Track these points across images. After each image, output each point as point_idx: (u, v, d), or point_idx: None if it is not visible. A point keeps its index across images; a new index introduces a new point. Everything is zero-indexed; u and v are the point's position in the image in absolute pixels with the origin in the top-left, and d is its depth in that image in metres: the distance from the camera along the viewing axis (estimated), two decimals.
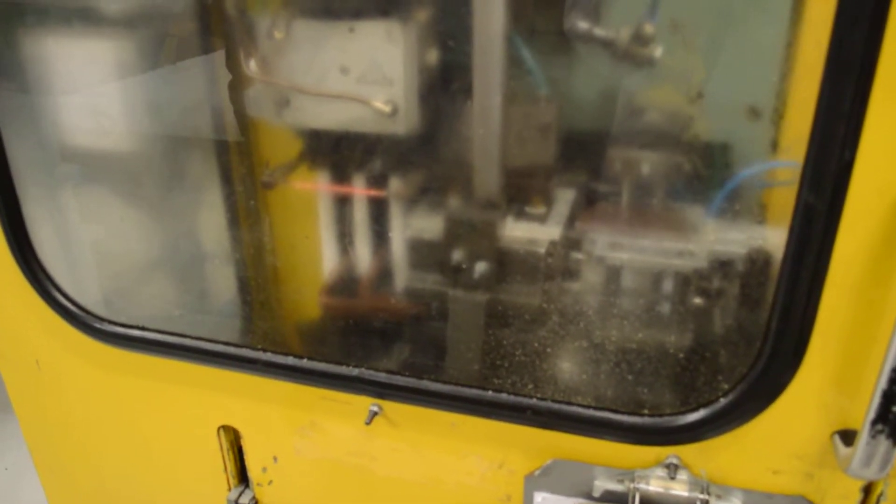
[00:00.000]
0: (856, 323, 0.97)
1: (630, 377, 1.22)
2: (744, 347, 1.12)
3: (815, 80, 0.88)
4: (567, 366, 1.30)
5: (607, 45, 1.55)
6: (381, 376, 1.21)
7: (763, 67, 1.57)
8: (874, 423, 0.91)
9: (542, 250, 1.54)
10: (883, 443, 0.92)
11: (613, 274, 1.41)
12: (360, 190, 1.68)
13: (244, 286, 1.71)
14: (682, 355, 1.20)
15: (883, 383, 0.89)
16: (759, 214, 1.50)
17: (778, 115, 1.60)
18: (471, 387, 1.18)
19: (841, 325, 0.98)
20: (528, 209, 1.62)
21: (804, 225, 0.92)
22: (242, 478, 1.48)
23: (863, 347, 0.99)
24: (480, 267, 1.57)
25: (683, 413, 1.09)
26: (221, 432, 1.42)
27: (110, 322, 1.36)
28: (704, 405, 1.07)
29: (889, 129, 0.85)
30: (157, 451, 1.50)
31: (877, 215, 0.90)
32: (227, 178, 1.86)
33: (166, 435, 1.47)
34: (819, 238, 0.92)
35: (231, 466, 1.46)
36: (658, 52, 1.54)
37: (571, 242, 1.55)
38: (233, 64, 1.73)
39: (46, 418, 1.58)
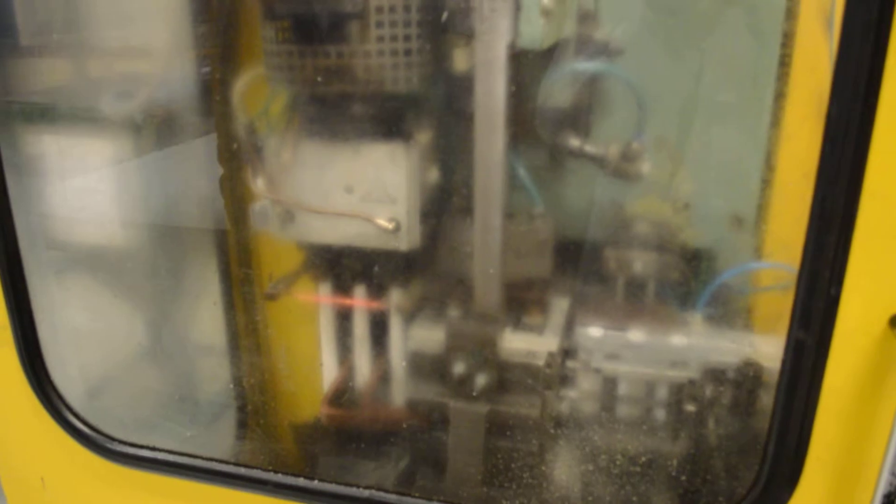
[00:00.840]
0: (848, 447, 1.03)
1: (635, 498, 1.26)
2: (743, 470, 1.17)
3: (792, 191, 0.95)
4: (573, 486, 1.34)
5: (598, 161, 1.66)
6: (392, 497, 1.25)
7: (746, 179, 1.67)
8: None
9: (541, 362, 1.59)
10: None
11: (611, 392, 1.47)
12: (362, 302, 1.73)
13: (249, 404, 1.74)
14: (684, 477, 1.24)
15: None
16: (749, 328, 1.57)
17: (761, 223, 1.70)
18: None
19: (834, 450, 1.04)
20: (525, 320, 1.68)
21: (796, 359, 0.98)
22: None
23: (856, 469, 1.04)
24: (481, 380, 1.62)
25: None
26: None
27: (121, 442, 1.39)
28: None
29: (869, 274, 0.93)
30: None
31: (863, 348, 0.97)
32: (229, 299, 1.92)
33: None
34: (810, 370, 0.99)
35: None
36: (646, 167, 1.65)
37: (568, 353, 1.61)
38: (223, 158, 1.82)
39: None
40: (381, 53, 1.47)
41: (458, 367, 1.65)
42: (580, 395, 1.56)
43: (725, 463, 1.27)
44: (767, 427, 1.05)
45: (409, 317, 1.72)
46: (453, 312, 1.68)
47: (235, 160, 1.85)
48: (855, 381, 0.99)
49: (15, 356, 1.40)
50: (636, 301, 1.68)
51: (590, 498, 1.30)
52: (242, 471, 1.32)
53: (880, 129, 0.87)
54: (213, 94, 1.82)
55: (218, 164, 1.86)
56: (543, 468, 1.47)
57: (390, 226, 1.57)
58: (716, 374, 1.45)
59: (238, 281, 1.95)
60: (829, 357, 0.98)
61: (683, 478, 1.25)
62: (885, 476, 0.93)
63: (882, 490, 0.94)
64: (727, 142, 1.59)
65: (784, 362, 1.00)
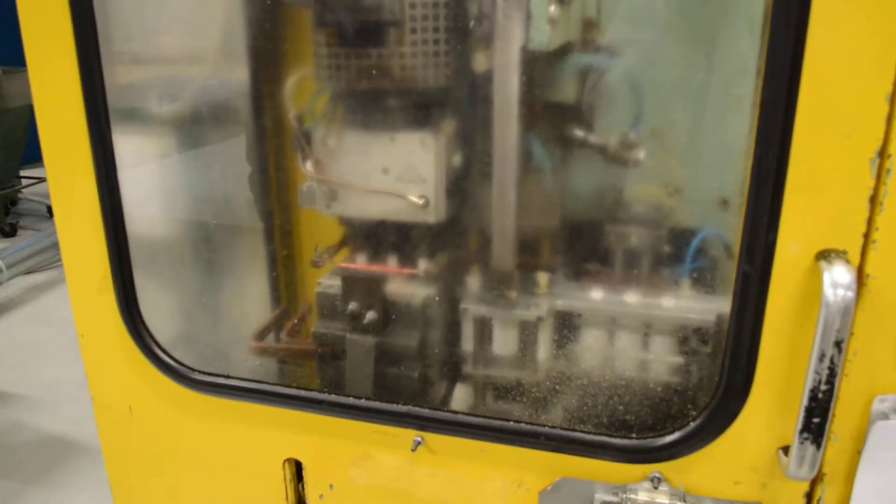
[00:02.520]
0: (789, 361, 1.30)
1: (621, 408, 1.53)
2: (707, 383, 1.44)
3: None
4: (572, 401, 1.62)
5: (600, 150, 1.94)
6: (425, 412, 1.53)
7: (731, 166, 1.94)
8: (801, 432, 1.23)
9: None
10: (809, 448, 1.23)
11: (608, 336, 1.74)
12: (394, 269, 2.02)
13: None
14: (659, 389, 1.52)
15: (805, 402, 1.22)
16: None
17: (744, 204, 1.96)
18: (496, 419, 1.50)
19: (778, 363, 1.30)
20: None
21: (743, 288, 1.26)
22: None
23: (796, 379, 1.31)
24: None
25: (662, 436, 1.40)
26: (286, 465, 1.71)
27: (201, 372, 1.68)
28: (678, 429, 1.39)
29: (798, 219, 1.21)
30: (230, 484, 1.79)
31: (794, 278, 1.25)
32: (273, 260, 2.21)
33: (238, 469, 1.76)
34: (755, 297, 1.26)
35: (292, 495, 1.75)
36: (642, 155, 1.92)
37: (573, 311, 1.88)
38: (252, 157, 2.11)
39: (131, 458, 1.87)
40: (414, 55, 1.75)
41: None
42: (584, 343, 1.83)
43: (696, 383, 1.55)
44: (724, 347, 1.33)
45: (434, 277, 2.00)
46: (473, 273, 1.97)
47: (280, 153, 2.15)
48: (790, 304, 1.26)
49: (114, 301, 1.69)
50: (633, 269, 1.95)
51: (587, 404, 1.58)
52: (302, 392, 1.60)
53: (802, 108, 1.15)
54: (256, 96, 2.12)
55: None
56: (554, 393, 1.73)
57: (421, 202, 1.85)
58: (692, 328, 1.72)
59: (280, 255, 2.25)
60: (770, 286, 1.25)
61: (659, 390, 1.52)
62: (811, 375, 1.21)
63: (808, 387, 1.21)
64: (714, 133, 1.86)
65: (734, 292, 1.27)
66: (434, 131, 1.80)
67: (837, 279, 1.16)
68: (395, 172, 1.85)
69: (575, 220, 1.99)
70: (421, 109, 1.81)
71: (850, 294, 1.15)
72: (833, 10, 1.10)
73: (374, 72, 1.80)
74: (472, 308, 1.87)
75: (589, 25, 1.94)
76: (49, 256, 8.25)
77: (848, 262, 1.19)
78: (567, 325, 1.77)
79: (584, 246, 2.00)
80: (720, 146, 1.88)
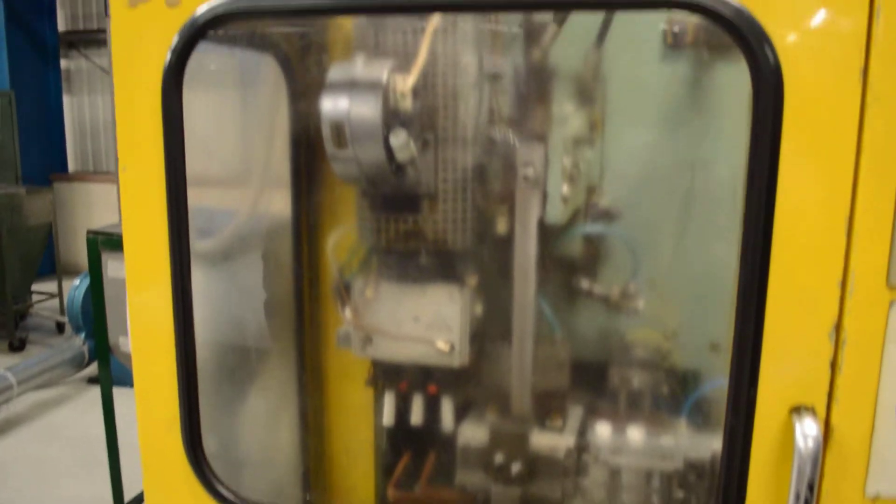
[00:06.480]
0: (772, 498, 1.53)
1: None
2: None
3: None
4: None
5: (603, 299, 2.22)
6: None
7: (721, 313, 2.21)
8: None
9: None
10: None
11: (615, 473, 1.97)
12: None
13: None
14: None
15: None
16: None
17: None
18: None
19: (762, 499, 1.53)
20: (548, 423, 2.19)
21: (730, 438, 1.51)
22: None
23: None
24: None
25: None
26: None
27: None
28: None
29: (774, 381, 1.47)
30: None
31: (773, 429, 1.49)
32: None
33: None
34: (740, 445, 1.50)
35: None
36: (640, 304, 2.20)
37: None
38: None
39: None
40: (445, 221, 2.06)
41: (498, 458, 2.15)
42: (593, 476, 2.05)
43: None
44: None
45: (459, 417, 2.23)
46: (493, 413, 2.21)
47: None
48: (770, 451, 1.50)
49: (180, 441, 1.92)
50: (635, 408, 2.19)
51: None
52: None
53: (772, 293, 1.44)
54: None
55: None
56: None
57: (447, 347, 2.11)
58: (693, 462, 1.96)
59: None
60: (753, 436, 1.50)
61: None
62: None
63: None
64: (705, 285, 2.14)
65: (723, 441, 1.52)
66: (460, 285, 2.09)
67: (807, 431, 1.41)
68: (425, 321, 2.12)
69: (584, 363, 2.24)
70: (449, 266, 2.11)
71: (818, 444, 1.40)
72: (791, 218, 1.41)
73: (410, 234, 2.09)
74: None
75: (593, 192, 2.27)
76: (59, 373, 8.39)
77: (815, 415, 1.45)
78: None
79: (591, 387, 2.25)
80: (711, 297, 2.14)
